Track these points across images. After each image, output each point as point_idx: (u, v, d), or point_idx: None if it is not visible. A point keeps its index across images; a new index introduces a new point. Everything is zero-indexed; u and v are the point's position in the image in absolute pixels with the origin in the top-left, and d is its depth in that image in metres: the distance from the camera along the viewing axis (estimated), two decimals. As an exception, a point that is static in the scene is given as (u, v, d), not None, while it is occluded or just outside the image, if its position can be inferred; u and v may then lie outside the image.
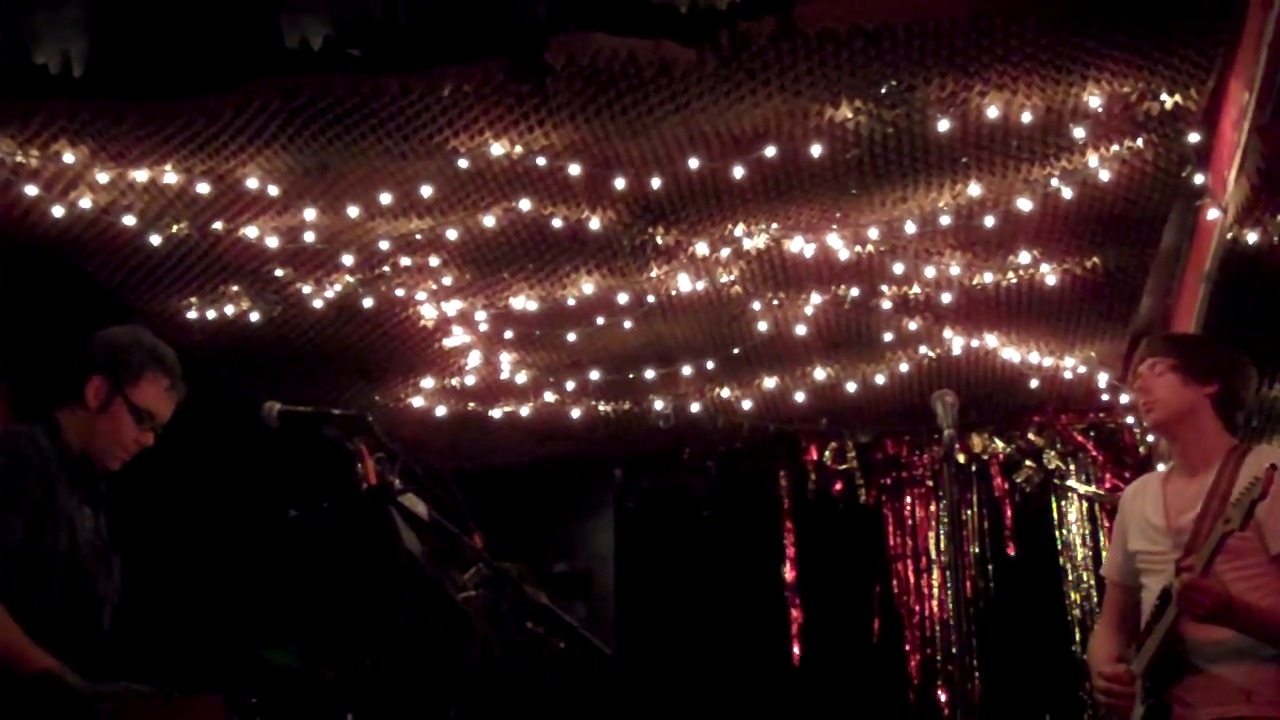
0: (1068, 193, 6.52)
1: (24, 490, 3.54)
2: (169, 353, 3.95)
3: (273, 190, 6.55)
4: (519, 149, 6.28)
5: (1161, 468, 4.43)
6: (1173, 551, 4.08)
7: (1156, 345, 4.39)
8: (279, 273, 7.35)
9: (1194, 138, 6.01)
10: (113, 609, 3.82)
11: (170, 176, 6.42)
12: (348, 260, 7.21)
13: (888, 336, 8.21)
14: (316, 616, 8.43)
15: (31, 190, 6.43)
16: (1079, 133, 6.10)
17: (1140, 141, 6.17)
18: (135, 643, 3.99)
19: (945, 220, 6.84)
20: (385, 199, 6.63)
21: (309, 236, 6.95)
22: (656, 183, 6.49)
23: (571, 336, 8.07)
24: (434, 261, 7.30)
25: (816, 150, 6.21)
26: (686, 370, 8.61)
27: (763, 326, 8.03)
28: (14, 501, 3.51)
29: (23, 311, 6.93)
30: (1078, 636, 9.23)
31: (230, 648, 7.83)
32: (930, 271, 7.36)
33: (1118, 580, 4.42)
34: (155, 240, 6.89)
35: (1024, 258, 7.24)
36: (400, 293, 7.61)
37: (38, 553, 3.54)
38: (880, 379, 8.73)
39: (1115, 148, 6.23)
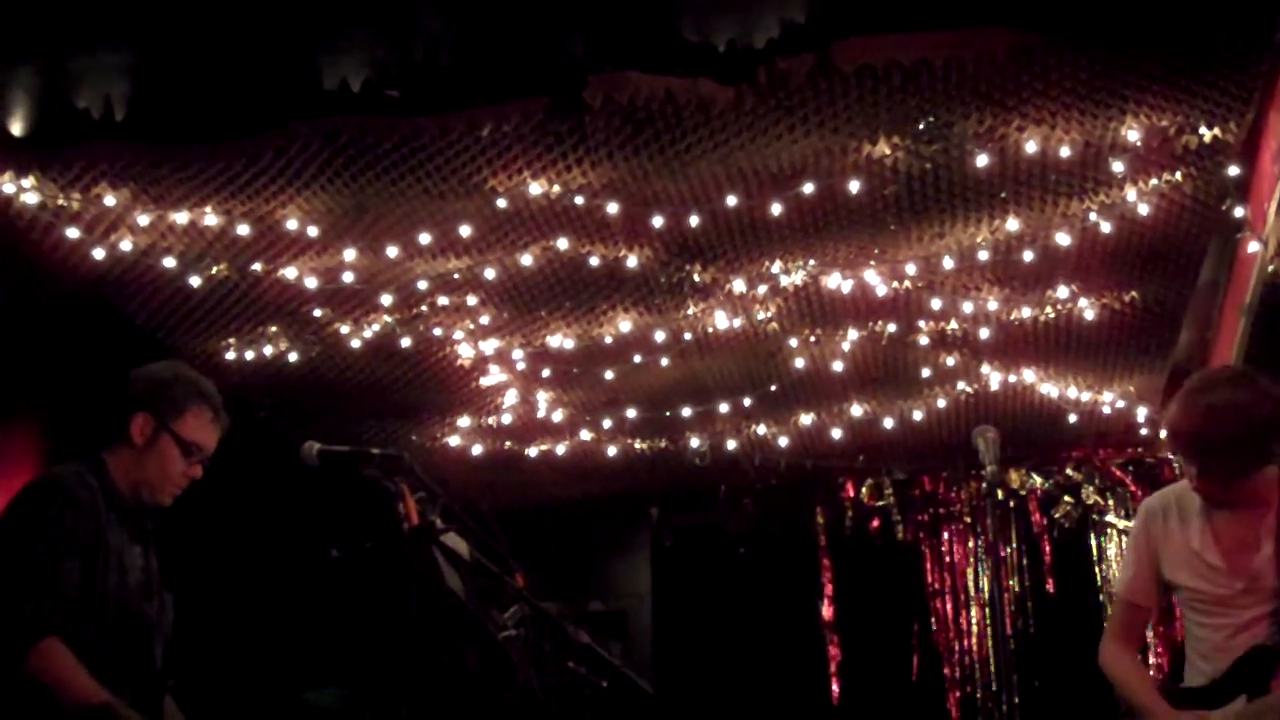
0: (1106, 227, 6.50)
1: (75, 531, 3.56)
2: (209, 385, 3.98)
3: (312, 231, 6.58)
4: (557, 188, 6.30)
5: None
6: (1247, 597, 3.77)
7: (1209, 465, 3.82)
8: (318, 313, 7.38)
9: (1233, 171, 6.00)
10: (166, 643, 3.83)
11: (210, 218, 6.46)
12: (386, 300, 7.23)
13: (925, 372, 8.19)
14: (358, 657, 8.43)
15: (73, 233, 6.47)
16: (1117, 167, 6.08)
17: (1179, 175, 6.15)
18: (178, 684, 3.99)
19: (983, 255, 6.83)
20: (424, 239, 6.66)
21: (348, 277, 6.98)
22: (694, 220, 6.50)
23: (608, 375, 8.06)
24: (472, 301, 7.32)
25: (854, 187, 6.21)
26: (723, 408, 8.60)
27: (800, 363, 8.02)
28: (68, 543, 3.54)
29: (62, 353, 6.97)
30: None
31: (273, 689, 7.84)
32: (968, 307, 7.34)
33: (1140, 604, 4.12)
34: (195, 281, 6.93)
35: (1062, 292, 7.22)
36: (438, 332, 7.63)
37: (90, 591, 3.55)
38: (918, 415, 8.70)
39: (1154, 181, 6.21)
